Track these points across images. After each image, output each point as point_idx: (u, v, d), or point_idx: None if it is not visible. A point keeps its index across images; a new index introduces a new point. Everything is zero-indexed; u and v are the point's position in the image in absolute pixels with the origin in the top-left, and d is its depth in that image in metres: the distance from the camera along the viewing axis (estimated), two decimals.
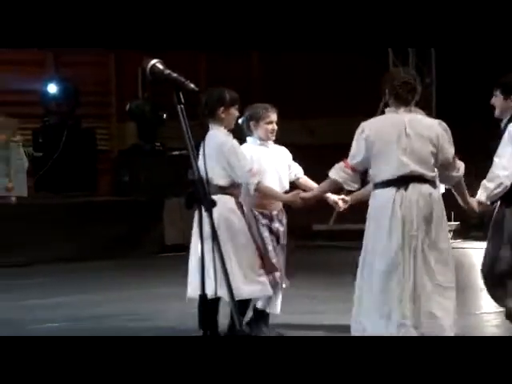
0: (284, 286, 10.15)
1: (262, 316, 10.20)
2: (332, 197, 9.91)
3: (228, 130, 9.15)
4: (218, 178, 9.03)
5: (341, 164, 8.80)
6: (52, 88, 19.46)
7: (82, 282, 14.52)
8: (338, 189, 9.58)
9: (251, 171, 9.49)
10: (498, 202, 9.76)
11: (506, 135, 9.41)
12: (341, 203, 9.84)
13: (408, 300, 8.57)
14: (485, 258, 9.91)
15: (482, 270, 9.93)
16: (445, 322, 8.76)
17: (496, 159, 9.40)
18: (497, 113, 9.63)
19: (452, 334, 8.86)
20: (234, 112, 9.49)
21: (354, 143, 8.75)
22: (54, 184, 18.54)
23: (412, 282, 8.56)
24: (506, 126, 9.48)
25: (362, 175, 9.07)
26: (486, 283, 9.94)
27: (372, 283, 8.75)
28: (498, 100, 9.59)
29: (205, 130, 8.63)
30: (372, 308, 8.74)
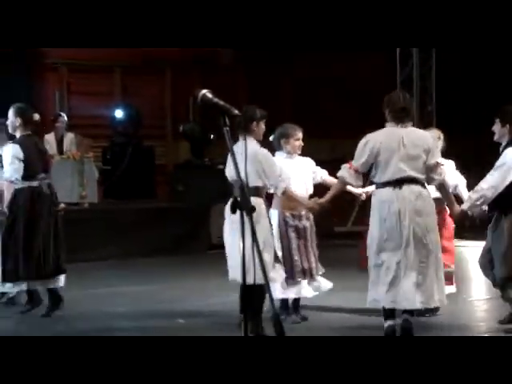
0: (320, 272, 10.45)
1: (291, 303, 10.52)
2: (356, 190, 10.25)
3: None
4: (253, 181, 9.06)
5: (346, 165, 9.30)
6: (119, 113, 19.73)
7: (144, 274, 14.68)
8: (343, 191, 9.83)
9: (280, 176, 9.71)
10: (496, 211, 9.66)
11: (500, 159, 9.48)
12: (363, 195, 10.29)
13: (403, 274, 8.89)
14: (482, 251, 9.95)
15: (479, 262, 9.98)
16: (437, 292, 9.10)
17: (487, 176, 9.47)
18: (496, 137, 9.74)
19: (439, 304, 9.41)
20: (263, 126, 9.65)
21: (358, 150, 9.19)
22: (120, 192, 18.81)
23: (406, 260, 8.87)
24: (503, 150, 9.52)
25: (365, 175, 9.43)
26: (483, 271, 10.01)
27: (377, 263, 9.11)
28: (496, 127, 9.65)
29: (235, 141, 8.71)
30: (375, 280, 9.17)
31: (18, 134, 10.61)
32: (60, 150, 17.24)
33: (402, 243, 8.99)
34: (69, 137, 17.64)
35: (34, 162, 10.54)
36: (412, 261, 8.95)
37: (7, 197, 10.63)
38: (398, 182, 8.99)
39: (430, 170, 9.19)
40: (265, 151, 9.44)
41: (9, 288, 10.70)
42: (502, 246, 9.62)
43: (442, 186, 9.60)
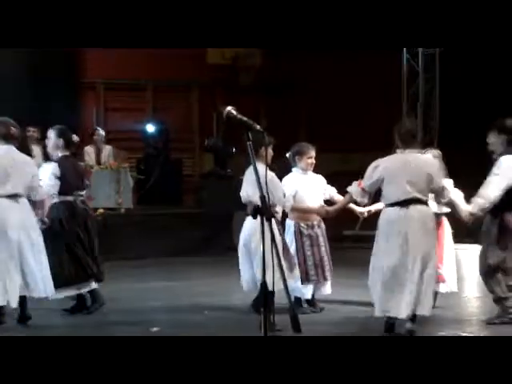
0: (329, 276, 10.69)
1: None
2: (358, 209, 10.46)
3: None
4: (256, 199, 8.72)
5: (356, 183, 9.40)
6: (150, 128, 19.96)
7: (172, 271, 14.86)
8: (354, 202, 9.90)
9: (285, 197, 10.05)
10: (488, 215, 9.76)
11: (496, 165, 9.64)
12: (365, 213, 10.50)
13: (407, 286, 8.94)
14: (479, 257, 10.06)
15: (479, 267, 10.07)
16: (429, 303, 9.19)
17: (487, 182, 9.62)
18: (491, 147, 9.86)
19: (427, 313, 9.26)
20: (271, 151, 9.81)
21: (368, 171, 9.27)
22: (152, 199, 18.93)
23: (411, 274, 8.94)
24: (498, 157, 9.65)
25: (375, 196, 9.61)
26: (481, 276, 10.13)
27: (381, 273, 9.14)
28: (492, 138, 9.81)
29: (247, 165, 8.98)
30: (381, 291, 9.16)
31: (58, 154, 10.61)
32: (98, 161, 17.35)
33: (405, 260, 9.06)
34: (106, 149, 17.72)
35: (70, 180, 10.51)
36: (412, 275, 9.02)
37: (45, 209, 10.58)
38: (405, 203, 9.06)
39: (437, 193, 9.42)
40: (271, 175, 9.47)
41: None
42: (488, 241, 9.95)
43: (448, 204, 9.82)
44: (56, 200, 10.47)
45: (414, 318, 9.20)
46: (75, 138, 11.11)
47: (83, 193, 10.93)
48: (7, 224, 9.60)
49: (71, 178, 10.53)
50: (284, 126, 10.40)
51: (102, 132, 17.89)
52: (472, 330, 10.09)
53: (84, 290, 10.83)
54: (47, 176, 10.34)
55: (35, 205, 10.20)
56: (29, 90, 17.68)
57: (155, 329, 10.12)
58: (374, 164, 9.33)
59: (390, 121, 9.72)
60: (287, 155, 10.72)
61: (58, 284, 10.36)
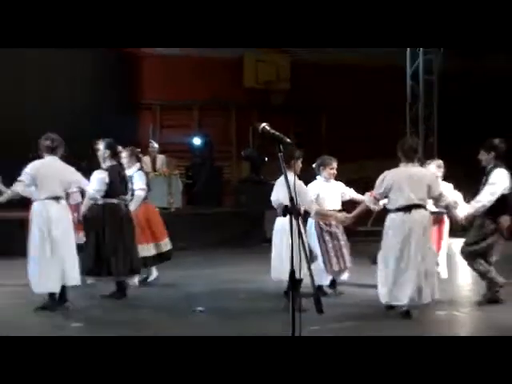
0: (349, 264, 10.80)
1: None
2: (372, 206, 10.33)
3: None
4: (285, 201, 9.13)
5: (368, 194, 9.77)
6: (196, 140, 19.99)
7: (214, 260, 14.90)
8: (367, 209, 10.20)
9: (312, 201, 10.14)
10: (483, 217, 9.83)
11: (491, 176, 9.79)
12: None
13: (411, 280, 9.11)
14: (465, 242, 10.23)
15: (462, 252, 10.23)
16: (430, 291, 9.34)
17: (483, 190, 9.80)
18: (483, 163, 9.99)
19: (430, 299, 9.44)
20: (300, 164, 9.81)
21: (378, 183, 9.45)
22: (198, 200, 18.94)
23: (413, 270, 9.12)
24: (490, 171, 9.81)
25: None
26: (466, 259, 10.24)
27: (388, 267, 9.32)
28: (483, 155, 9.94)
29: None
30: (385, 283, 9.34)
31: (107, 163, 10.59)
32: (154, 169, 17.37)
33: (409, 254, 9.19)
34: (160, 158, 17.71)
35: (116, 186, 10.51)
36: (413, 266, 9.18)
37: (83, 209, 10.78)
38: (408, 208, 9.20)
39: (436, 199, 9.61)
40: (299, 182, 9.46)
41: (91, 281, 10.73)
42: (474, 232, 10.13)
43: (447, 206, 9.89)
44: (101, 202, 10.49)
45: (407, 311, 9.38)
46: (120, 149, 11.05)
47: (126, 196, 10.92)
48: (49, 222, 9.71)
49: (117, 184, 10.53)
50: (308, 141, 10.41)
51: (156, 145, 17.91)
52: (465, 311, 10.34)
53: (123, 279, 10.83)
54: (96, 182, 10.40)
55: (71, 206, 10.50)
56: (95, 110, 17.74)
57: (200, 308, 10.23)
58: (381, 176, 9.45)
59: (396, 136, 9.80)
60: (313, 165, 10.76)
61: (96, 272, 10.62)
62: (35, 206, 9.86)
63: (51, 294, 9.80)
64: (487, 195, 9.77)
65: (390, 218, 9.43)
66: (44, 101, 16.94)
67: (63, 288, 9.91)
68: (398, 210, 9.29)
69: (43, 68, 17.73)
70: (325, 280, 10.71)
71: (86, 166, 11.51)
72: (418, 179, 9.31)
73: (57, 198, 9.82)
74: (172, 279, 12.36)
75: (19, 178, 10.02)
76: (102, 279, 10.73)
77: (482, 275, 10.16)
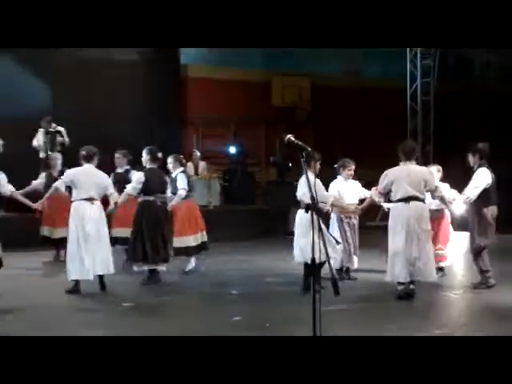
0: (357, 253, 10.86)
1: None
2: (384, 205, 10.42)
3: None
4: (307, 198, 9.05)
5: (374, 188, 9.78)
6: (232, 149, 19.71)
7: (245, 250, 14.83)
8: (373, 204, 10.30)
9: (328, 195, 10.12)
10: (470, 210, 10.04)
11: (475, 174, 9.88)
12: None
13: (410, 257, 9.11)
14: (470, 241, 10.21)
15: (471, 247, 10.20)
16: (430, 269, 9.31)
17: (468, 185, 9.88)
18: (470, 164, 10.05)
19: (434, 279, 9.53)
20: (318, 165, 9.66)
21: (381, 179, 9.50)
22: (233, 199, 18.67)
23: (411, 249, 9.11)
24: (475, 170, 9.89)
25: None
26: (472, 254, 10.22)
27: (394, 248, 9.34)
28: (470, 158, 10.04)
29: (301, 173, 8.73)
30: (392, 262, 9.36)
31: (147, 166, 10.77)
32: (196, 173, 17.34)
33: (409, 237, 9.19)
34: (201, 164, 17.72)
35: (152, 185, 10.58)
36: (416, 248, 9.19)
37: (119, 203, 10.73)
38: (407, 199, 9.22)
39: (433, 191, 9.68)
40: (317, 181, 9.34)
41: (138, 267, 10.71)
42: (471, 229, 10.14)
43: (441, 199, 10.01)
44: (141, 198, 10.64)
45: (412, 282, 9.38)
46: (160, 154, 11.09)
47: (164, 195, 10.98)
48: (84, 218, 9.81)
49: (153, 184, 10.63)
50: (325, 148, 10.44)
51: (198, 153, 17.97)
52: (459, 292, 10.25)
53: (157, 267, 10.75)
54: (133, 180, 10.73)
55: (108, 203, 10.47)
56: (148, 123, 17.72)
57: (234, 291, 10.38)
58: (384, 174, 9.53)
59: (397, 145, 9.80)
60: (335, 165, 10.88)
61: (137, 259, 10.65)
62: (73, 206, 10.01)
63: (77, 281, 9.88)
64: (471, 189, 9.86)
65: (393, 208, 9.52)
66: (104, 114, 16.94)
67: (100, 276, 10.02)
68: (399, 200, 9.33)
69: (105, 84, 17.77)
70: (350, 263, 10.82)
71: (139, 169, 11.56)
72: (415, 175, 9.34)
73: (91, 199, 9.93)
74: (209, 267, 12.35)
75: (62, 177, 10.64)
76: (142, 266, 10.71)
77: (481, 271, 10.10)
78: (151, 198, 10.59)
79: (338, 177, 10.80)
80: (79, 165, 10.29)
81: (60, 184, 10.64)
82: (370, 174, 11.26)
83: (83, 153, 10.20)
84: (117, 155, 12.54)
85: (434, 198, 9.97)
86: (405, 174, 9.34)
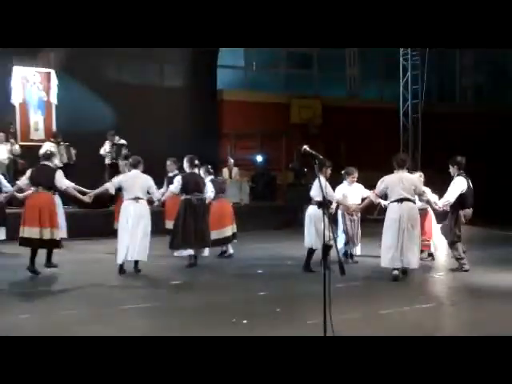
0: (358, 242, 11.10)
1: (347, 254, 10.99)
2: (382, 202, 10.58)
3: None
4: (319, 197, 9.43)
5: (372, 191, 9.88)
6: (258, 158, 19.89)
7: (268, 238, 14.82)
8: (372, 203, 10.22)
9: (334, 196, 10.22)
10: (449, 212, 10.08)
11: (453, 182, 9.99)
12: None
13: (400, 248, 9.19)
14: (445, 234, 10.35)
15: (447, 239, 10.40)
16: (414, 259, 9.34)
17: (447, 191, 9.96)
18: (452, 174, 10.10)
19: (416, 267, 9.52)
20: (329, 171, 9.90)
21: (378, 184, 9.57)
22: (259, 198, 18.54)
23: (401, 241, 9.17)
24: (454, 178, 10.01)
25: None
26: (448, 245, 10.47)
27: (387, 240, 9.37)
28: (451, 169, 10.13)
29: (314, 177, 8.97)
30: (386, 251, 9.40)
31: (187, 171, 10.81)
32: (230, 177, 17.27)
33: (400, 231, 9.21)
34: (234, 170, 17.62)
35: (190, 186, 10.58)
36: (405, 240, 9.21)
37: (164, 198, 10.90)
38: (400, 200, 9.27)
39: (419, 195, 9.58)
40: (327, 184, 9.65)
41: (178, 253, 10.72)
42: (450, 225, 10.15)
43: (427, 201, 9.95)
44: (183, 197, 10.63)
45: (405, 269, 9.57)
46: (196, 161, 11.14)
47: (200, 194, 10.84)
48: (130, 214, 9.93)
49: (190, 185, 10.62)
50: (333, 157, 10.58)
51: (231, 160, 17.87)
52: (442, 274, 10.35)
53: (199, 252, 10.84)
54: (175, 183, 10.70)
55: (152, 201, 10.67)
56: (188, 136, 17.61)
57: (260, 271, 10.41)
58: (381, 179, 9.58)
59: (392, 154, 9.91)
60: (342, 173, 10.95)
61: (180, 246, 10.61)
62: (123, 204, 10.16)
63: (121, 265, 9.95)
64: (450, 194, 9.89)
65: (389, 207, 9.52)
66: (157, 129, 16.97)
67: (136, 262, 10.06)
68: (393, 201, 9.36)
69: (158, 105, 17.96)
70: (353, 250, 11.07)
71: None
72: (406, 181, 9.36)
73: (137, 199, 9.99)
74: (240, 252, 12.28)
75: (113, 180, 10.71)
76: (184, 252, 10.68)
77: (456, 259, 10.22)
78: (188, 197, 10.57)
79: (344, 181, 10.87)
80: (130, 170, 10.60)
81: (110, 186, 10.46)
82: (370, 177, 11.30)
83: (131, 161, 10.44)
84: (168, 162, 12.56)
85: (420, 200, 9.90)
86: (398, 180, 9.34)
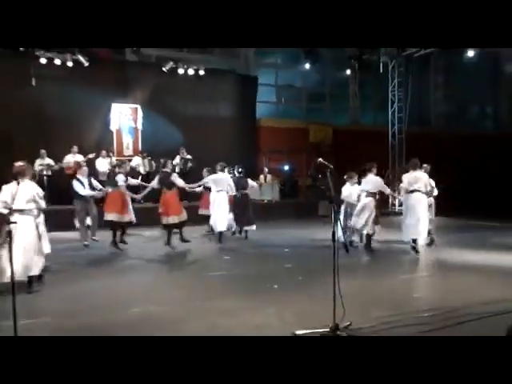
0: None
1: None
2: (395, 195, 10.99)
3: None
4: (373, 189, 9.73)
5: (401, 185, 9.77)
6: (286, 167, 19.66)
7: (294, 225, 14.43)
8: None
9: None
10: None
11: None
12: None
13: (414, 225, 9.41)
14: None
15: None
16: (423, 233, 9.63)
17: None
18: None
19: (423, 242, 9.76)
20: (374, 169, 10.07)
21: (403, 179, 9.68)
22: (286, 196, 17.90)
23: (416, 220, 9.41)
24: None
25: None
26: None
27: (405, 221, 9.55)
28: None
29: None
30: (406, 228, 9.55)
31: (236, 175, 11.44)
32: (265, 181, 17.20)
33: (415, 214, 9.38)
34: (268, 176, 17.51)
35: (237, 186, 11.10)
36: (416, 219, 9.41)
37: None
38: (414, 191, 9.43)
39: (430, 189, 9.74)
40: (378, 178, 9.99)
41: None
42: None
43: (430, 192, 9.87)
44: (234, 193, 11.10)
45: (415, 240, 9.65)
46: (240, 169, 11.47)
47: (244, 190, 11.27)
48: (215, 202, 10.74)
49: (237, 185, 11.14)
50: (340, 167, 10.44)
51: (266, 169, 17.76)
52: (422, 252, 9.77)
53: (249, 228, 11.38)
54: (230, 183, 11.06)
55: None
56: (234, 151, 17.31)
57: (286, 249, 10.12)
58: (403, 177, 9.73)
59: (385, 166, 9.86)
60: (345, 177, 10.50)
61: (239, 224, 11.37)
62: (212, 193, 10.81)
63: (220, 233, 10.72)
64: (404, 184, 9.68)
65: (406, 197, 9.58)
66: (212, 147, 16.67)
67: (220, 233, 10.74)
68: (410, 192, 9.46)
69: (213, 130, 17.63)
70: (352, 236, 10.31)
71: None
72: (419, 178, 9.49)
73: (221, 191, 10.68)
74: (271, 235, 12.12)
75: (204, 180, 11.10)
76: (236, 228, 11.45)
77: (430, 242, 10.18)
78: (236, 193, 11.09)
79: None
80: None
81: (204, 182, 11.01)
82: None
83: (217, 166, 10.89)
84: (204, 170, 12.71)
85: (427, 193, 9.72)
86: (414, 177, 9.48)
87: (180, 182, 9.91)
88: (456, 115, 24.57)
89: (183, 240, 9.95)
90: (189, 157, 15.83)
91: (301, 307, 5.68)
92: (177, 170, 15.84)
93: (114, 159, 15.06)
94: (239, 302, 5.92)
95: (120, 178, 10.00)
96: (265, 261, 9.08)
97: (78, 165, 11.86)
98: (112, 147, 16.16)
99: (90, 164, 13.27)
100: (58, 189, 13.22)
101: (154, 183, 9.96)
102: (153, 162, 15.48)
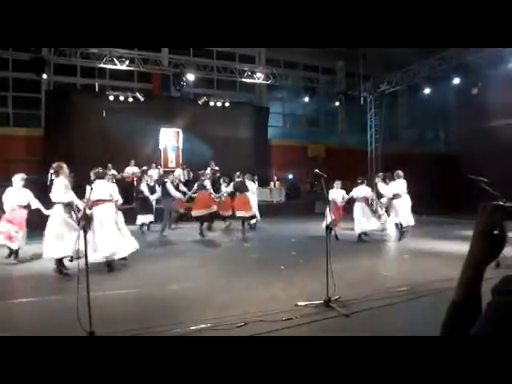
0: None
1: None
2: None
3: None
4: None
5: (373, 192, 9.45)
6: (290, 176, 19.19)
7: (296, 220, 13.87)
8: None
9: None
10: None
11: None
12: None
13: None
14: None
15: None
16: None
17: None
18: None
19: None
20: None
21: (386, 188, 9.34)
22: (290, 198, 17.88)
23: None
24: (388, 183, 9.46)
25: None
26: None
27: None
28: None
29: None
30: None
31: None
32: (274, 186, 17.15)
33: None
34: (277, 183, 17.40)
35: (239, 189, 10.59)
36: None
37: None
38: (397, 196, 9.07)
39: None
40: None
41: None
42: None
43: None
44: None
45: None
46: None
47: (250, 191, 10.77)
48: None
49: (240, 189, 10.55)
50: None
51: (275, 177, 17.70)
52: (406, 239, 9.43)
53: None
54: (229, 187, 10.70)
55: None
56: (253, 165, 17.02)
57: (293, 239, 9.89)
58: (389, 185, 9.31)
59: (364, 176, 9.59)
60: (334, 184, 10.01)
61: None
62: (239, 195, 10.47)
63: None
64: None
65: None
66: (233, 161, 16.38)
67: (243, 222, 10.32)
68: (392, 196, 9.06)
69: (234, 147, 17.50)
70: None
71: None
72: (396, 185, 9.10)
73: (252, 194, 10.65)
74: (278, 229, 11.95)
75: (229, 187, 10.60)
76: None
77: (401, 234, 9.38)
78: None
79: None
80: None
81: (230, 187, 10.48)
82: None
83: (237, 173, 10.52)
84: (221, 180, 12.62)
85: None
86: (395, 185, 9.09)
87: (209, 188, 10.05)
88: (417, 137, 24.48)
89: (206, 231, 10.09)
90: (216, 168, 15.90)
91: (302, 284, 5.68)
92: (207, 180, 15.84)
93: (161, 170, 15.28)
94: (255, 279, 5.94)
95: (207, 184, 10.09)
96: (275, 248, 8.88)
97: (134, 175, 12.07)
98: (160, 161, 16.64)
99: (143, 174, 13.39)
100: (120, 192, 13.33)
101: (230, 188, 10.28)
102: (190, 173, 15.74)
